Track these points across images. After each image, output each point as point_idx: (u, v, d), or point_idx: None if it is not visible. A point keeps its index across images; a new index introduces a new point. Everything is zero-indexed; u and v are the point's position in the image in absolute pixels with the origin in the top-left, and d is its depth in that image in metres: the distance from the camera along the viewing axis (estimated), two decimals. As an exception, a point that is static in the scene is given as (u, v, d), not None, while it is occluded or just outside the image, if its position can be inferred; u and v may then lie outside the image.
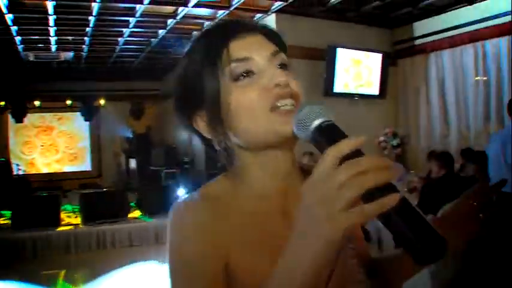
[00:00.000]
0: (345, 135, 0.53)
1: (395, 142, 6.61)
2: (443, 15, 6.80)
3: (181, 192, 6.87)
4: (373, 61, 6.96)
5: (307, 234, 0.46)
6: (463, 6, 6.46)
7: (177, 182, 7.35)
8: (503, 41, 6.07)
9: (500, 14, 5.93)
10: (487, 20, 6.19)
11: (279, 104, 0.65)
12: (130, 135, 10.56)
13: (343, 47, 6.66)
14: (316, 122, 0.56)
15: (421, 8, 6.58)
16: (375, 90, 7.03)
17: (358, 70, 6.85)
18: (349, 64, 6.69)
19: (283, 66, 0.70)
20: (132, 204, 7.02)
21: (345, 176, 0.43)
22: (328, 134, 0.54)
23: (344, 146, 0.46)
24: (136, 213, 6.83)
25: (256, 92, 0.65)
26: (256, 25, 0.73)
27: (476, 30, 6.35)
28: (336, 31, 6.93)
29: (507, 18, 5.79)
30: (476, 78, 6.49)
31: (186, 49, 0.73)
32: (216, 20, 0.60)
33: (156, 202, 6.71)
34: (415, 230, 0.42)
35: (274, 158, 0.69)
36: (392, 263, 0.79)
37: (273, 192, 0.70)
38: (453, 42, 6.63)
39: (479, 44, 6.42)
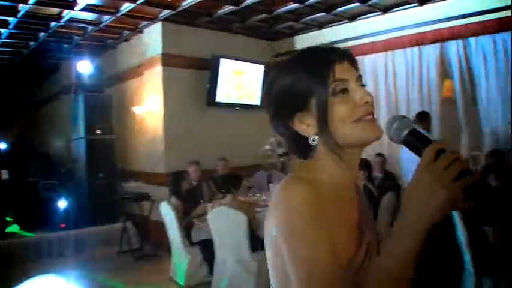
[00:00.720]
0: (429, 138, 0.98)
1: (280, 151, 8.38)
2: (323, 30, 9.13)
3: (62, 204, 8.10)
4: (255, 72, 9.00)
5: (427, 198, 0.90)
6: (343, 23, 8.79)
7: (56, 193, 8.47)
8: (381, 57, 8.45)
9: (379, 32, 8.29)
10: (366, 37, 8.54)
11: (365, 117, 1.10)
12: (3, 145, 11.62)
13: (227, 58, 8.52)
14: (408, 130, 1.03)
15: (303, 22, 8.74)
16: (255, 100, 9.02)
17: (240, 80, 8.81)
18: (231, 74, 8.61)
19: (363, 85, 1.15)
20: (7, 218, 8.18)
21: (448, 161, 0.88)
22: (420, 137, 1.01)
23: (438, 145, 0.92)
24: (15, 228, 7.95)
25: (350, 107, 1.10)
26: (345, 51, 1.17)
27: (356, 45, 8.56)
28: (220, 42, 8.81)
29: (382, 37, 8.23)
30: None
31: (286, 64, 1.18)
32: (317, 44, 1.16)
33: (34, 215, 7.87)
34: (489, 192, 0.90)
35: (354, 155, 1.17)
36: None
37: (347, 181, 1.20)
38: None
39: (359, 58, 8.70)
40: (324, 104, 1.10)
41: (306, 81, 1.11)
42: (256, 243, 5.07)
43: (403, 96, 8.20)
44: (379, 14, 8.19)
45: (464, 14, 7.13)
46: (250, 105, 9.03)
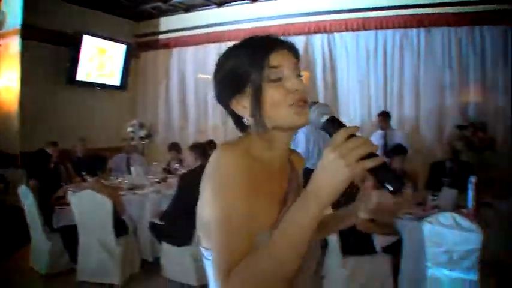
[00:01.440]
0: (344, 124, 1.06)
1: (142, 133, 8.43)
2: (190, 14, 9.15)
3: None
4: (117, 52, 8.82)
5: (331, 175, 0.97)
6: (211, 8, 8.86)
7: None
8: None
9: (245, 20, 8.51)
10: (232, 24, 8.71)
11: (296, 103, 1.18)
12: None
13: (90, 35, 8.23)
14: (326, 116, 1.10)
15: (170, 4, 8.74)
16: (116, 81, 8.90)
17: (102, 60, 8.56)
18: (94, 52, 8.34)
19: (299, 75, 1.23)
20: None
21: (355, 143, 0.95)
22: (336, 123, 1.08)
23: (350, 129, 0.99)
24: None
25: (283, 93, 1.18)
26: (285, 41, 1.25)
27: (221, 31, 8.80)
28: (84, 18, 8.45)
29: (249, 25, 8.42)
30: (200, 75, 9.09)
31: (230, 50, 1.25)
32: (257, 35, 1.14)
33: None
34: (392, 174, 0.99)
35: (283, 137, 1.27)
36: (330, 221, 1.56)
37: (276, 159, 1.29)
38: (198, 41, 9.00)
39: (223, 44, 8.84)
40: (257, 89, 1.18)
41: (245, 66, 1.19)
42: (120, 227, 5.02)
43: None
44: (247, 2, 8.41)
45: (331, 11, 7.63)
46: (111, 85, 8.87)
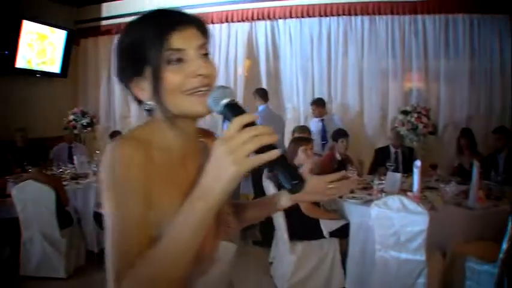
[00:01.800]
0: (245, 111, 0.96)
1: (84, 121, 8.07)
2: (133, -1, 8.83)
3: None
4: (58, 38, 8.44)
5: (218, 172, 0.88)
6: (154, -8, 8.59)
7: None
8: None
9: (188, 6, 8.02)
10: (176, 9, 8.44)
11: (198, 89, 1.06)
12: None
13: (30, 20, 7.76)
14: (225, 100, 0.99)
15: (112, -12, 8.40)
16: (56, 68, 8.52)
17: (42, 46, 8.16)
18: (33, 39, 7.91)
19: (206, 55, 1.10)
20: None
21: (247, 136, 0.85)
22: (234, 109, 0.97)
23: (246, 118, 0.88)
24: None
25: (182, 78, 1.05)
26: (192, 17, 1.12)
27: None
28: (23, 2, 7.86)
29: (193, 10, 8.06)
30: None
31: (129, 27, 1.11)
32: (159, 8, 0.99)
33: None
34: (289, 171, 0.90)
35: (187, 124, 1.16)
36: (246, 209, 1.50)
37: (180, 148, 1.18)
38: (140, 27, 8.69)
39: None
40: (156, 73, 1.07)
41: (142, 47, 1.07)
42: (64, 219, 4.87)
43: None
44: (190, -12, 8.23)
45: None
46: (52, 73, 8.48)
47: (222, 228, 1.22)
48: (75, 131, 7.95)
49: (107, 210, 1.04)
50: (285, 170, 0.91)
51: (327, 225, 4.31)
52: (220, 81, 7.84)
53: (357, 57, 7.47)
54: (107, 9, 9.16)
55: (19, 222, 4.81)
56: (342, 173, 1.48)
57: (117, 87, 8.97)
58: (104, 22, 9.17)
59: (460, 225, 3.96)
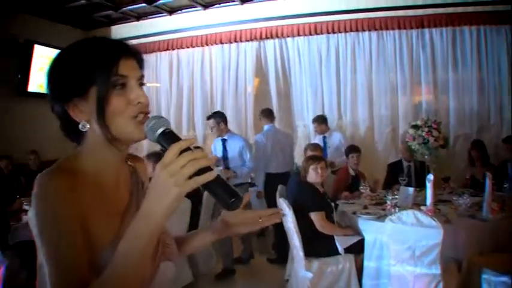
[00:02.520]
0: (179, 138, 1.02)
1: None
2: (142, 22, 9.06)
3: None
4: None
5: (160, 195, 0.93)
6: (163, 16, 8.81)
7: None
8: (197, 52, 8.71)
9: (197, 27, 8.52)
10: (183, 31, 8.69)
11: (137, 116, 1.13)
12: None
13: (41, 44, 7.98)
14: (161, 130, 1.05)
15: (122, 12, 8.60)
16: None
17: (53, 70, 8.31)
18: (45, 62, 7.99)
19: (142, 85, 1.19)
20: None
21: (185, 160, 0.91)
22: (170, 137, 1.04)
23: (183, 143, 0.94)
24: None
25: (124, 103, 1.12)
26: (135, 50, 1.21)
27: (173, 39, 8.79)
28: (34, 26, 8.17)
29: (202, 31, 8.44)
30: (148, 84, 8.90)
31: (76, 49, 1.19)
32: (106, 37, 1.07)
33: None
34: (226, 190, 0.97)
35: (122, 147, 1.21)
36: (187, 240, 1.55)
37: (113, 172, 1.24)
38: (148, 49, 8.89)
39: (174, 52, 8.88)
40: (103, 95, 1.12)
41: (88, 69, 1.13)
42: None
43: (219, 88, 8.59)
44: (199, 10, 8.40)
45: (283, 16, 7.73)
46: (65, 96, 8.56)
47: (160, 249, 1.26)
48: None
49: (42, 243, 1.07)
50: (221, 189, 0.97)
51: (342, 242, 4.35)
52: (230, 100, 8.08)
53: (365, 72, 7.56)
54: (115, 32, 9.32)
55: (34, 245, 4.83)
56: (274, 210, 1.55)
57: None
58: (114, 44, 9.30)
59: (475, 237, 3.97)
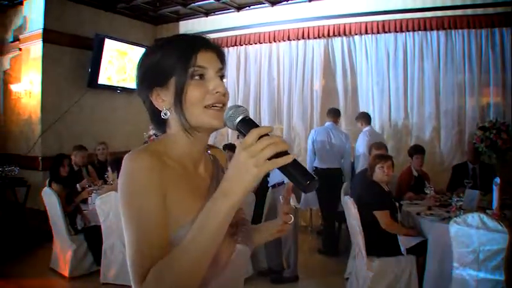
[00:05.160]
0: (258, 125, 1.07)
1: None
2: (210, 17, 9.30)
3: None
4: (137, 55, 8.69)
5: (240, 174, 1.00)
6: (231, 12, 9.02)
7: None
8: (265, 48, 8.85)
9: (265, 23, 8.66)
10: (251, 27, 8.85)
11: (214, 105, 1.22)
12: None
13: (111, 38, 8.34)
14: (240, 117, 1.12)
15: (190, 8, 8.83)
16: (136, 84, 8.95)
17: (122, 63, 8.69)
18: (114, 56, 8.47)
19: (222, 77, 1.27)
20: None
21: (265, 143, 0.97)
22: (249, 123, 1.10)
23: (262, 129, 1.00)
24: None
25: (202, 92, 1.21)
26: (214, 44, 1.30)
27: (241, 35, 8.98)
28: (104, 21, 8.63)
29: (270, 28, 8.57)
30: None
31: (159, 44, 1.28)
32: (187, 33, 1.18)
33: None
34: (302, 172, 1.01)
35: (201, 136, 1.29)
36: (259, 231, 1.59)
37: (195, 157, 1.33)
38: (218, 44, 8.99)
39: (243, 47, 9.09)
40: (181, 84, 1.21)
41: (170, 61, 1.23)
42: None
43: (285, 85, 8.70)
44: (266, 6, 8.54)
45: (351, 13, 7.77)
46: (132, 88, 8.83)
47: (238, 232, 1.32)
48: (156, 145, 8.20)
49: (126, 216, 1.15)
50: (298, 171, 1.01)
51: (405, 242, 4.39)
52: (296, 96, 8.18)
53: (433, 72, 7.45)
54: (184, 27, 9.63)
55: (101, 230, 5.11)
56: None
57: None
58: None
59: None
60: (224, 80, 1.31)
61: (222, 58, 1.32)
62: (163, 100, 1.26)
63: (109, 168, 5.53)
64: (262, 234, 1.59)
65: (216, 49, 1.30)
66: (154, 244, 1.10)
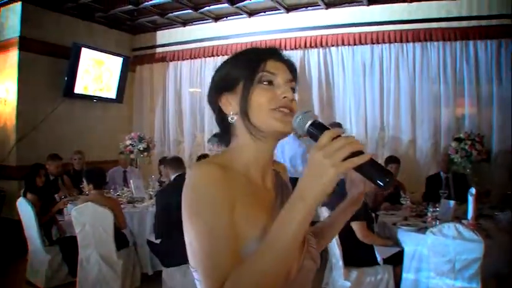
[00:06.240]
0: (329, 128, 1.06)
1: (141, 146, 8.23)
2: (187, 28, 9.29)
3: None
4: (114, 64, 8.88)
5: (317, 175, 0.97)
6: (208, 22, 9.02)
7: None
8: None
9: (242, 34, 8.69)
10: (228, 38, 8.86)
11: (281, 109, 1.21)
12: None
13: (88, 47, 8.28)
14: (310, 121, 1.12)
15: (167, 17, 8.82)
16: (112, 94, 8.96)
17: (99, 72, 8.61)
18: (91, 65, 8.38)
19: (293, 90, 1.27)
20: None
21: (340, 143, 0.96)
22: (320, 126, 1.10)
23: (334, 131, 0.99)
24: None
25: (269, 97, 1.21)
26: (287, 57, 1.32)
27: (218, 45, 8.97)
28: (81, 30, 8.55)
29: (247, 39, 8.58)
30: (190, 89, 9.28)
31: (233, 55, 1.32)
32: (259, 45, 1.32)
33: None
34: (379, 170, 1.00)
35: (267, 143, 1.28)
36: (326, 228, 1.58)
37: (261, 169, 1.30)
38: (194, 55, 9.15)
39: (219, 58, 9.00)
40: (248, 88, 1.21)
41: (240, 67, 1.24)
42: (121, 240, 5.07)
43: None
44: (244, 17, 8.57)
45: (327, 25, 7.86)
46: (108, 98, 8.93)
47: (306, 247, 1.28)
48: (132, 156, 8.16)
49: (193, 228, 1.11)
50: (375, 169, 1.00)
51: (381, 252, 4.40)
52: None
53: (409, 84, 7.55)
54: (161, 37, 9.62)
55: (76, 241, 5.00)
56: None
57: (171, 113, 9.36)
58: (159, 49, 9.61)
59: (516, 253, 3.99)
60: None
61: (293, 71, 1.31)
62: (230, 104, 1.26)
63: (84, 179, 5.47)
64: (335, 223, 1.56)
65: (288, 62, 1.31)
66: (226, 255, 1.06)
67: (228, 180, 1.13)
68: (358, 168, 0.99)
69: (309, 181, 0.99)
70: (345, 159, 0.95)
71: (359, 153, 0.97)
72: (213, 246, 1.07)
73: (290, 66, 1.31)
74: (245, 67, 1.24)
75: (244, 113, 1.22)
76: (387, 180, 0.99)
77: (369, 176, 1.01)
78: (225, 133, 1.33)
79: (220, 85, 1.28)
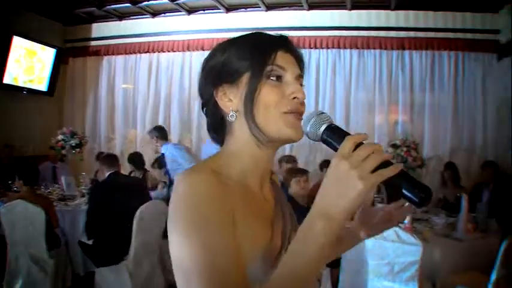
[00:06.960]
0: (348, 133, 0.93)
1: (73, 142, 7.88)
2: (124, 22, 9.03)
3: None
4: (47, 55, 8.49)
5: (343, 189, 0.82)
6: (146, 17, 8.81)
7: None
8: (178, 56, 8.73)
9: (180, 31, 8.58)
10: (166, 35, 8.69)
11: (291, 112, 1.05)
12: None
13: (20, 36, 7.81)
14: (325, 125, 0.98)
15: (105, 10, 8.51)
16: (43, 86, 8.57)
17: (31, 63, 8.20)
18: (22, 55, 7.95)
19: (301, 85, 1.11)
20: None
21: (367, 152, 0.82)
22: (338, 131, 0.96)
23: (358, 137, 0.85)
24: None
25: (278, 96, 1.05)
26: (297, 49, 1.14)
27: (154, 42, 8.77)
28: (13, 18, 7.98)
29: (185, 36, 8.50)
30: (123, 85, 9.05)
31: (232, 40, 1.11)
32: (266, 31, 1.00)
33: None
34: (414, 184, 0.84)
35: (268, 151, 1.12)
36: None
37: (260, 175, 1.14)
38: (129, 50, 8.90)
39: (155, 54, 8.89)
40: (254, 83, 1.05)
41: (244, 55, 1.07)
42: (53, 240, 4.83)
43: (195, 95, 8.54)
44: (183, 14, 8.45)
45: (265, 28, 7.82)
46: (40, 91, 8.53)
47: None
48: (63, 151, 7.83)
49: (187, 247, 0.93)
50: (408, 183, 0.85)
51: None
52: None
53: (344, 89, 7.70)
54: (96, 29, 9.30)
55: (5, 240, 4.76)
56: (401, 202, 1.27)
57: (103, 108, 9.07)
58: (93, 43, 9.27)
59: (450, 256, 4.08)
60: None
61: (301, 65, 1.15)
62: (230, 100, 1.09)
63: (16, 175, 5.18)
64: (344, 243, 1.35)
65: (298, 53, 1.14)
66: (231, 281, 0.90)
67: (225, 190, 0.98)
68: (387, 182, 0.83)
69: (333, 196, 0.84)
70: (374, 170, 0.82)
71: (387, 163, 0.83)
72: (215, 273, 0.90)
73: (299, 58, 1.15)
74: (252, 57, 1.07)
75: (250, 113, 1.06)
76: (422, 196, 0.84)
77: (400, 190, 0.86)
78: (218, 131, 1.16)
79: (218, 75, 1.09)
